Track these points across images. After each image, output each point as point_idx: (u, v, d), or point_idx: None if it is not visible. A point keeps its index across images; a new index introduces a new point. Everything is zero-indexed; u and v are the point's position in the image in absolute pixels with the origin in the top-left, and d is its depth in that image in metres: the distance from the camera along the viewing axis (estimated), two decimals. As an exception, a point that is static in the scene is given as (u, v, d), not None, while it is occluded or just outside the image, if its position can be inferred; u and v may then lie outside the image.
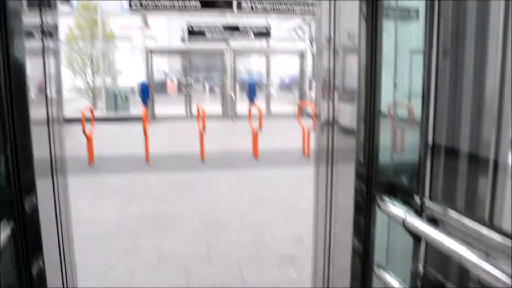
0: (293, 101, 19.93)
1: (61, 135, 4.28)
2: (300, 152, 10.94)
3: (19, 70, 3.34)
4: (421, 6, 3.53)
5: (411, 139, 3.60)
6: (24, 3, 3.62)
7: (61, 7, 19.79)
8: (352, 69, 4.23)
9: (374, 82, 3.76)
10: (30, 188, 3.27)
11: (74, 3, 22.18)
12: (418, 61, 3.69)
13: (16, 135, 3.21)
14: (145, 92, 14.51)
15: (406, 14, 4.85)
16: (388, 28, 4.42)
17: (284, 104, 20.57)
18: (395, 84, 4.37)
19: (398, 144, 3.98)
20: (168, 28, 27.76)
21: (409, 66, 4.65)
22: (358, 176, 3.40)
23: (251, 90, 15.77)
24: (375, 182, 3.10)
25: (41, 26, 3.96)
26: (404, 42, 4.82)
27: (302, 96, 20.24)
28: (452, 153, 3.30)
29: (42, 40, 4.01)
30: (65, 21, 19.89)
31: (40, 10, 3.97)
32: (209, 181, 8.36)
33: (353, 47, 4.07)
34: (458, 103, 3.36)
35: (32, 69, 3.89)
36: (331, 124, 4.60)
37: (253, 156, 10.47)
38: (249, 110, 12.76)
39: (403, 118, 4.30)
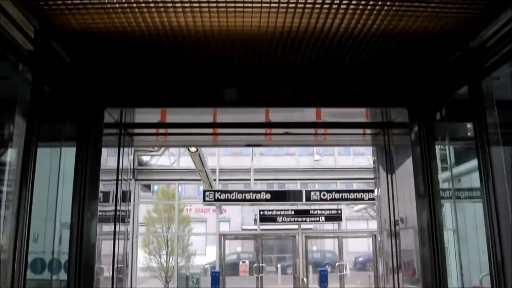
0: (368, 282, 18.98)
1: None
2: None
3: (90, 251, 3.48)
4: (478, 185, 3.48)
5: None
6: (100, 195, 3.89)
7: (142, 193, 21.17)
8: (412, 250, 4.06)
9: (437, 263, 3.61)
10: None
11: (155, 187, 23.74)
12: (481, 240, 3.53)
13: None
14: (216, 281, 14.51)
15: (463, 195, 4.74)
16: (447, 206, 4.30)
17: (359, 285, 19.57)
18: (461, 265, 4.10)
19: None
20: (242, 211, 28.54)
21: (473, 245, 4.38)
22: None
23: (323, 278, 15.29)
24: None
25: (115, 213, 4.20)
26: (463, 222, 4.61)
27: (377, 277, 19.30)
28: None
29: (114, 224, 4.22)
30: (145, 206, 21.04)
31: (116, 200, 4.25)
32: None
33: (412, 229, 3.97)
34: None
35: (103, 250, 4.02)
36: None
37: None
38: (322, 299, 12.20)
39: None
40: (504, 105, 3.50)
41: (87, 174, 3.56)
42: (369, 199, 17.45)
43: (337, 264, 19.50)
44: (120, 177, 4.17)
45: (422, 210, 3.77)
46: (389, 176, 4.39)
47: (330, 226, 22.06)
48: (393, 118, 4.25)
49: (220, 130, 4.84)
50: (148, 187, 22.99)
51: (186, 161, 19.50)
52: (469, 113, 3.48)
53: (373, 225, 21.15)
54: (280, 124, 4.65)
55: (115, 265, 4.10)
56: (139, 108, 4.11)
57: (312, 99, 4.00)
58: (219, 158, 20.51)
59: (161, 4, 2.83)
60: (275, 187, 22.14)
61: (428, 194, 3.78)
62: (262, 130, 4.88)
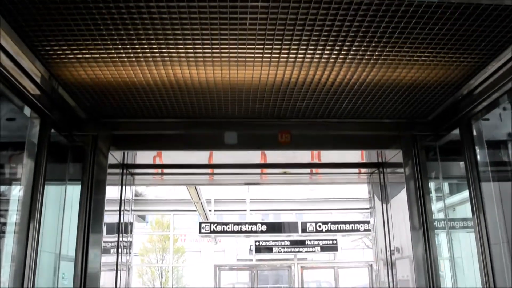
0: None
1: None
2: None
3: (94, 281, 3.57)
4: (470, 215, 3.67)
5: None
6: (104, 228, 4.00)
7: (137, 224, 21.10)
8: (408, 280, 4.17)
9: None
10: None
11: (149, 219, 23.63)
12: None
13: None
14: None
15: (457, 225, 4.88)
16: (440, 237, 4.45)
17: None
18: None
19: None
20: (236, 242, 28.38)
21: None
22: None
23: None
24: None
25: (117, 243, 4.31)
26: (457, 251, 4.74)
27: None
28: None
29: (117, 255, 4.32)
30: (139, 237, 20.94)
31: (118, 232, 4.36)
32: None
33: (405, 258, 4.09)
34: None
35: (105, 282, 4.10)
36: None
37: None
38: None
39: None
40: (493, 143, 3.71)
41: (91, 210, 3.70)
42: (365, 230, 17.51)
43: (334, 297, 19.39)
44: (122, 209, 4.32)
45: (417, 242, 3.92)
46: (384, 208, 4.54)
47: (326, 256, 21.97)
48: (388, 158, 4.40)
49: (216, 170, 4.95)
50: (142, 217, 22.91)
51: (181, 192, 19.54)
52: (460, 152, 3.68)
53: (369, 254, 21.10)
54: (276, 165, 4.78)
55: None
56: (140, 151, 4.25)
57: (308, 145, 4.16)
58: (215, 189, 20.54)
59: (167, 58, 2.98)
60: (271, 217, 22.14)
61: (423, 227, 3.94)
62: (259, 170, 5.00)
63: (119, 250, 4.37)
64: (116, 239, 4.31)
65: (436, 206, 4.54)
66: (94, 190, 3.81)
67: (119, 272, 4.31)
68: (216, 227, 17.43)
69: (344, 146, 4.20)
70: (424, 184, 3.98)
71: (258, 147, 4.19)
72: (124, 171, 4.42)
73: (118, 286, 4.31)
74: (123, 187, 4.40)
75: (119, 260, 4.33)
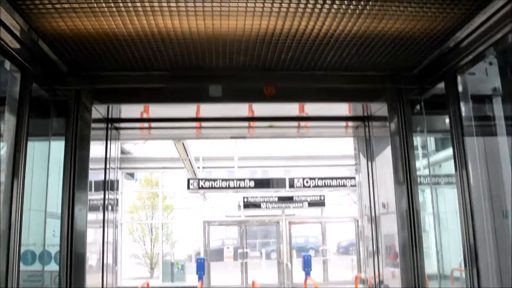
0: (352, 266, 19.34)
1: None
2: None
3: (80, 239, 3.60)
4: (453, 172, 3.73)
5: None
6: (92, 183, 4.01)
7: (126, 181, 21.20)
8: (393, 234, 4.25)
9: (415, 247, 3.81)
10: None
11: (138, 176, 23.76)
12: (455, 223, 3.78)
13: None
14: (201, 267, 14.74)
15: (438, 181, 4.97)
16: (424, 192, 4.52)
17: (342, 270, 19.96)
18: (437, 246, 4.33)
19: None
20: (225, 198, 28.70)
21: (450, 228, 4.61)
22: None
23: (306, 263, 15.59)
24: None
25: (104, 201, 4.33)
26: (441, 205, 4.85)
27: (359, 261, 19.68)
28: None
29: (103, 212, 4.35)
30: (129, 194, 21.09)
31: (104, 189, 4.37)
32: None
33: (390, 214, 4.17)
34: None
35: (93, 239, 4.13)
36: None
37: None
38: (305, 284, 12.48)
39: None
40: (478, 98, 3.73)
41: (76, 167, 3.67)
42: (352, 186, 17.73)
43: (320, 249, 19.85)
44: (108, 167, 4.31)
45: (401, 196, 3.95)
46: (369, 164, 4.58)
47: (313, 211, 22.35)
48: (373, 111, 4.40)
49: (203, 124, 4.92)
50: (131, 175, 23.03)
51: (169, 149, 19.59)
52: (445, 106, 3.69)
53: (355, 210, 21.50)
54: (263, 118, 4.76)
55: (105, 253, 4.24)
56: (125, 104, 4.20)
57: (293, 97, 4.14)
58: (203, 145, 20.60)
59: (149, 8, 2.91)
60: (259, 174, 22.34)
61: (407, 182, 3.97)
62: (246, 124, 4.98)
63: (105, 207, 4.38)
64: (102, 196, 4.32)
65: (421, 162, 4.60)
66: (78, 146, 3.76)
67: (105, 229, 4.33)
68: (204, 183, 17.58)
69: (329, 99, 4.17)
70: (408, 138, 3.98)
71: (243, 100, 4.16)
72: (109, 125, 4.38)
73: (105, 242, 4.34)
74: (108, 142, 4.37)
75: (106, 217, 4.34)
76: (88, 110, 3.88)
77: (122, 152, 19.26)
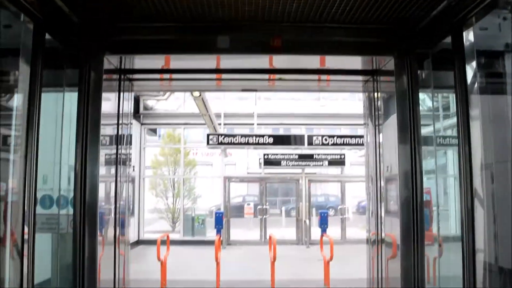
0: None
1: (127, 257, 4.53)
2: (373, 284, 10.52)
3: (93, 193, 3.75)
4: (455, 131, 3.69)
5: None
6: (107, 139, 4.13)
7: (149, 137, 21.51)
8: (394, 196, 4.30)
9: (416, 207, 3.85)
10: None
11: (162, 132, 24.06)
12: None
13: (85, 260, 3.52)
14: (220, 222, 15.03)
15: (443, 141, 4.95)
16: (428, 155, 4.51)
17: (360, 229, 20.16)
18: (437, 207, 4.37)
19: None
20: (247, 155, 28.90)
21: (450, 190, 4.63)
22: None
23: (323, 220, 15.75)
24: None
25: (116, 156, 4.46)
26: (443, 167, 4.85)
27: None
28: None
29: (116, 167, 4.48)
30: (152, 149, 21.42)
31: (117, 144, 4.50)
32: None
33: (394, 178, 4.20)
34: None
35: (106, 192, 4.30)
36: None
37: (325, 285, 10.22)
38: (321, 239, 12.67)
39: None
40: (484, 54, 3.65)
41: (88, 118, 3.77)
42: (371, 145, 17.66)
43: (339, 207, 20.02)
44: (120, 121, 4.39)
45: (404, 155, 3.94)
46: (376, 122, 4.58)
47: (334, 170, 22.42)
48: (381, 66, 4.38)
49: (223, 76, 4.97)
50: (154, 131, 23.33)
51: (191, 105, 19.72)
52: (452, 62, 3.64)
53: (376, 170, 21.47)
54: (282, 71, 4.78)
55: (117, 205, 4.38)
56: (136, 55, 4.26)
57: (299, 50, 4.15)
58: (224, 101, 20.67)
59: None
60: (280, 132, 22.38)
61: (411, 141, 3.94)
62: (266, 76, 5.02)
63: (118, 161, 4.49)
64: (115, 151, 4.41)
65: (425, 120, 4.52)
66: (91, 97, 3.86)
67: (118, 183, 4.45)
68: (223, 138, 17.69)
69: (336, 52, 4.18)
70: (414, 94, 3.96)
71: (249, 51, 4.21)
72: (121, 76, 4.48)
73: (117, 195, 4.47)
74: (121, 93, 4.48)
75: (119, 171, 4.45)
76: (100, 61, 3.97)
77: (145, 108, 19.48)
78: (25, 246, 3.11)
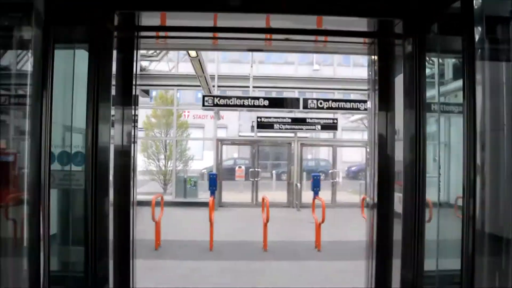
0: (359, 191, 19.79)
1: (135, 219, 4.59)
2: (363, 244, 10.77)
3: (105, 152, 3.71)
4: (459, 94, 3.68)
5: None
6: (119, 100, 4.09)
7: (141, 99, 21.38)
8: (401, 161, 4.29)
9: (419, 171, 3.89)
10: (104, 279, 3.57)
11: (153, 93, 23.95)
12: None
13: (97, 223, 3.57)
14: (213, 183, 15.15)
15: (449, 109, 4.97)
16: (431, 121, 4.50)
17: (350, 193, 20.48)
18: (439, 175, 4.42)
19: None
20: (239, 118, 29.01)
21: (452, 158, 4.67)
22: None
23: (315, 183, 15.96)
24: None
25: (134, 117, 4.40)
26: (448, 135, 4.85)
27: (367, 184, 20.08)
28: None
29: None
30: (144, 111, 21.34)
31: (134, 104, 4.43)
32: (270, 272, 8.40)
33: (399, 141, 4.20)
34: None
35: (116, 156, 4.25)
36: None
37: (316, 247, 10.45)
38: (313, 202, 12.87)
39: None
40: (495, 21, 3.64)
41: (99, 77, 3.70)
42: (365, 109, 17.73)
43: (330, 171, 20.27)
44: (134, 82, 4.35)
45: (410, 120, 3.95)
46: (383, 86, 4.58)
47: (325, 135, 22.60)
48: (388, 29, 4.35)
49: (220, 34, 4.92)
50: (146, 92, 23.19)
51: (184, 67, 19.58)
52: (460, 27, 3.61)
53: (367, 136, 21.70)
54: (280, 30, 4.74)
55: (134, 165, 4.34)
56: (145, 11, 4.18)
57: (306, 7, 4.08)
58: (218, 64, 20.55)
59: None
60: (273, 95, 22.37)
61: (416, 106, 3.94)
62: (263, 36, 4.99)
63: (134, 122, 4.46)
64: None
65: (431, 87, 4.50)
66: (102, 55, 3.78)
67: (132, 144, 4.41)
68: (219, 100, 17.64)
69: (343, 13, 4.09)
70: (420, 59, 3.88)
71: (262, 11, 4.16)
72: (137, 33, 4.40)
73: (135, 155, 4.40)
74: (135, 52, 4.41)
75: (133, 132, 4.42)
76: (110, 18, 3.89)
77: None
78: (41, 202, 3.18)
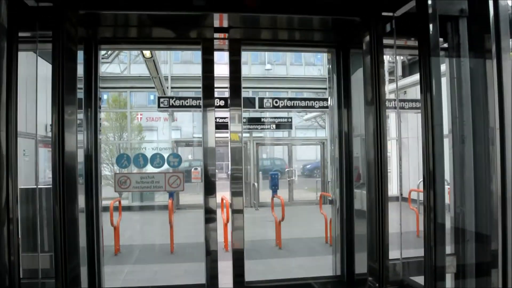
0: (316, 188, 20.08)
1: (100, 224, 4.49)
2: (322, 240, 10.97)
3: (71, 161, 3.63)
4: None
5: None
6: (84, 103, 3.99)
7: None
8: (358, 157, 4.45)
9: (381, 170, 4.01)
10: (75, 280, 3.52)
11: (105, 96, 23.46)
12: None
13: (65, 225, 3.49)
14: (171, 185, 15.01)
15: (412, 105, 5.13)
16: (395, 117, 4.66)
17: (307, 191, 20.73)
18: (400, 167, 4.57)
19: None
20: (193, 120, 28.76)
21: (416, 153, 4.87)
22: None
23: (274, 181, 16.09)
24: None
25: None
26: (410, 130, 5.06)
27: (324, 182, 20.44)
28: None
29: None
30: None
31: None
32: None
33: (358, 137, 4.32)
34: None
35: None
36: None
37: (277, 245, 10.55)
38: (272, 201, 12.99)
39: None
40: (447, 20, 3.81)
41: (64, 81, 3.62)
42: (320, 107, 17.98)
43: (286, 170, 20.46)
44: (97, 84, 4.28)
45: (369, 117, 4.07)
46: (343, 84, 4.71)
47: (280, 134, 22.78)
48: (348, 27, 4.46)
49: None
50: (98, 95, 22.71)
51: (137, 69, 19.32)
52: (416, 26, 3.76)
53: (321, 134, 22.04)
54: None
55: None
56: (106, 11, 4.11)
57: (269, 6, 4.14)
58: (171, 65, 20.39)
59: None
60: (227, 95, 22.37)
61: (375, 102, 4.06)
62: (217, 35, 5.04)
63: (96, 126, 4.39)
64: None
65: (388, 87, 4.65)
66: (65, 56, 3.69)
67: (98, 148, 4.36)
68: (174, 101, 17.46)
69: (305, 12, 4.16)
70: (379, 57, 4.03)
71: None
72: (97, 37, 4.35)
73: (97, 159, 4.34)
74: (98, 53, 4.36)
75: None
76: (72, 19, 3.81)
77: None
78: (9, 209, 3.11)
